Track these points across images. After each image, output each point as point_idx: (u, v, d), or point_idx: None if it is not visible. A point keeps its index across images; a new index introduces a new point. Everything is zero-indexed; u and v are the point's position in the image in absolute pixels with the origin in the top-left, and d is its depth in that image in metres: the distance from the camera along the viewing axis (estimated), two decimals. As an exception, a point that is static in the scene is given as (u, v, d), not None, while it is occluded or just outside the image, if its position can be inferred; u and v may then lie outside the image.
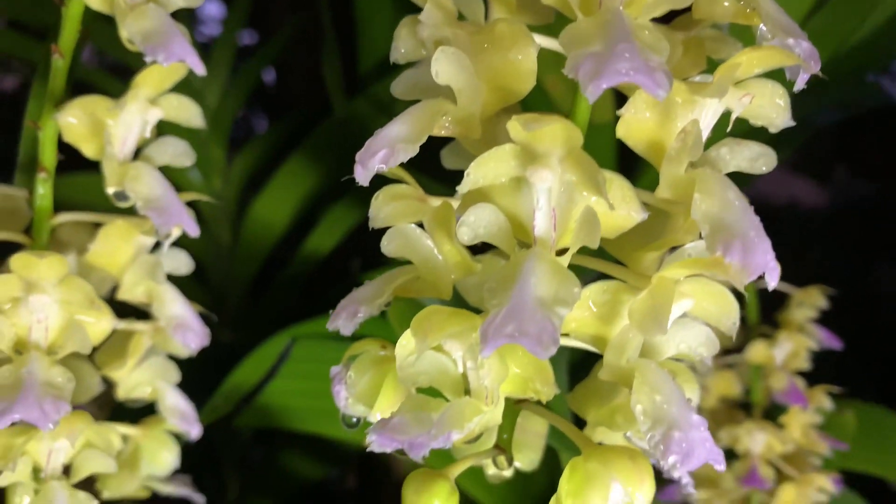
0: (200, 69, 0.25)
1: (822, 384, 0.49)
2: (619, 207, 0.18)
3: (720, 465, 0.19)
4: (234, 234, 0.65)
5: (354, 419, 0.24)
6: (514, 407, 0.23)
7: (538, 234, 0.19)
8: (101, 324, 0.26)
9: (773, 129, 0.20)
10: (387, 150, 0.20)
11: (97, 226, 0.30)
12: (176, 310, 0.28)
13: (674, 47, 0.21)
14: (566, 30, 0.18)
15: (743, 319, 0.51)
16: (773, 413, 0.50)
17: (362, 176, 0.20)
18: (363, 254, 0.66)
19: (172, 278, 0.30)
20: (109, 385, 0.31)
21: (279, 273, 0.59)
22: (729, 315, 0.20)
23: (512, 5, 0.22)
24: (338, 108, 0.53)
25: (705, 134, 0.19)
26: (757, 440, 0.46)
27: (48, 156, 0.27)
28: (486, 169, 0.18)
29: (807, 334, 0.48)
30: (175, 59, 0.24)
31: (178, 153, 0.28)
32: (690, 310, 0.20)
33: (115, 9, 0.25)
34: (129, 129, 0.26)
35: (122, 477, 0.29)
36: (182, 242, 0.50)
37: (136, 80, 0.26)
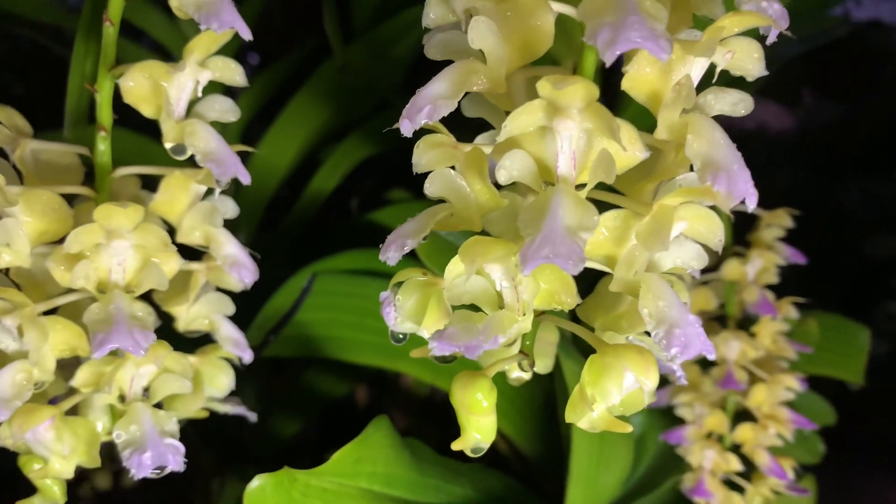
0: (247, 35, 0.28)
1: (788, 297, 0.54)
2: (628, 148, 0.22)
3: (712, 355, 0.23)
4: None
5: (401, 335, 0.28)
6: (535, 319, 0.27)
7: (561, 172, 0.23)
8: (170, 264, 0.29)
9: (749, 79, 0.24)
10: (430, 106, 0.23)
11: (143, 178, 0.33)
12: (231, 249, 0.32)
13: (665, 6, 0.25)
14: (583, 2, 0.21)
15: (718, 241, 0.56)
16: (745, 324, 0.55)
17: (408, 129, 0.24)
18: (360, 193, 0.70)
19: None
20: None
21: (286, 214, 0.62)
22: (716, 233, 0.24)
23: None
24: (337, 54, 0.55)
25: (695, 84, 0.23)
26: (732, 347, 0.51)
27: (105, 115, 0.30)
28: (520, 121, 0.22)
29: (775, 252, 0.53)
30: (227, 26, 0.27)
31: (224, 109, 0.31)
32: (685, 230, 0.24)
33: (166, -19, 0.28)
34: (183, 90, 0.29)
35: (187, 399, 0.33)
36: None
37: (189, 45, 0.29)
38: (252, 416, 0.36)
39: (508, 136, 0.22)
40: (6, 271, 0.30)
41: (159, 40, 0.73)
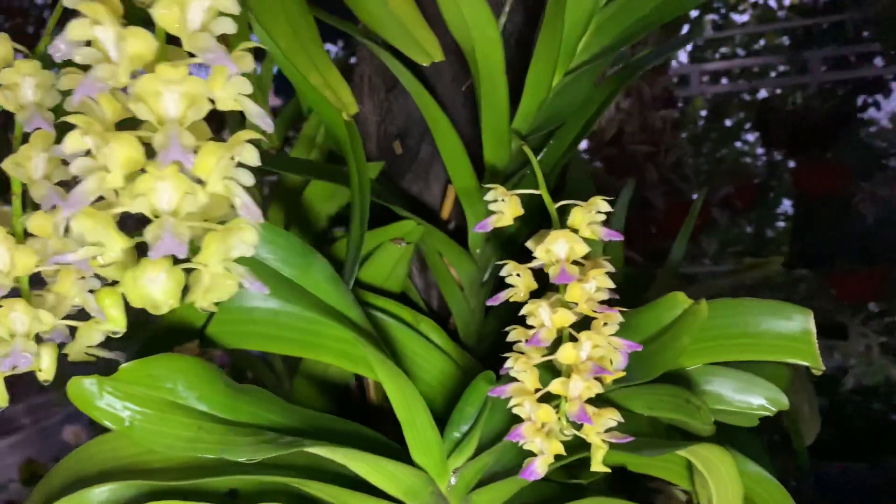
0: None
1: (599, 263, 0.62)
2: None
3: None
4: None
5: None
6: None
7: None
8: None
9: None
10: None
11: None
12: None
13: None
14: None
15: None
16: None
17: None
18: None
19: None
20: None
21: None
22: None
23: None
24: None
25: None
26: (543, 314, 0.61)
27: (16, 187, 0.56)
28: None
29: (579, 235, 0.62)
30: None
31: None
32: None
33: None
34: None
35: (74, 347, 0.56)
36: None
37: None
38: (121, 358, 0.58)
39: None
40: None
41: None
